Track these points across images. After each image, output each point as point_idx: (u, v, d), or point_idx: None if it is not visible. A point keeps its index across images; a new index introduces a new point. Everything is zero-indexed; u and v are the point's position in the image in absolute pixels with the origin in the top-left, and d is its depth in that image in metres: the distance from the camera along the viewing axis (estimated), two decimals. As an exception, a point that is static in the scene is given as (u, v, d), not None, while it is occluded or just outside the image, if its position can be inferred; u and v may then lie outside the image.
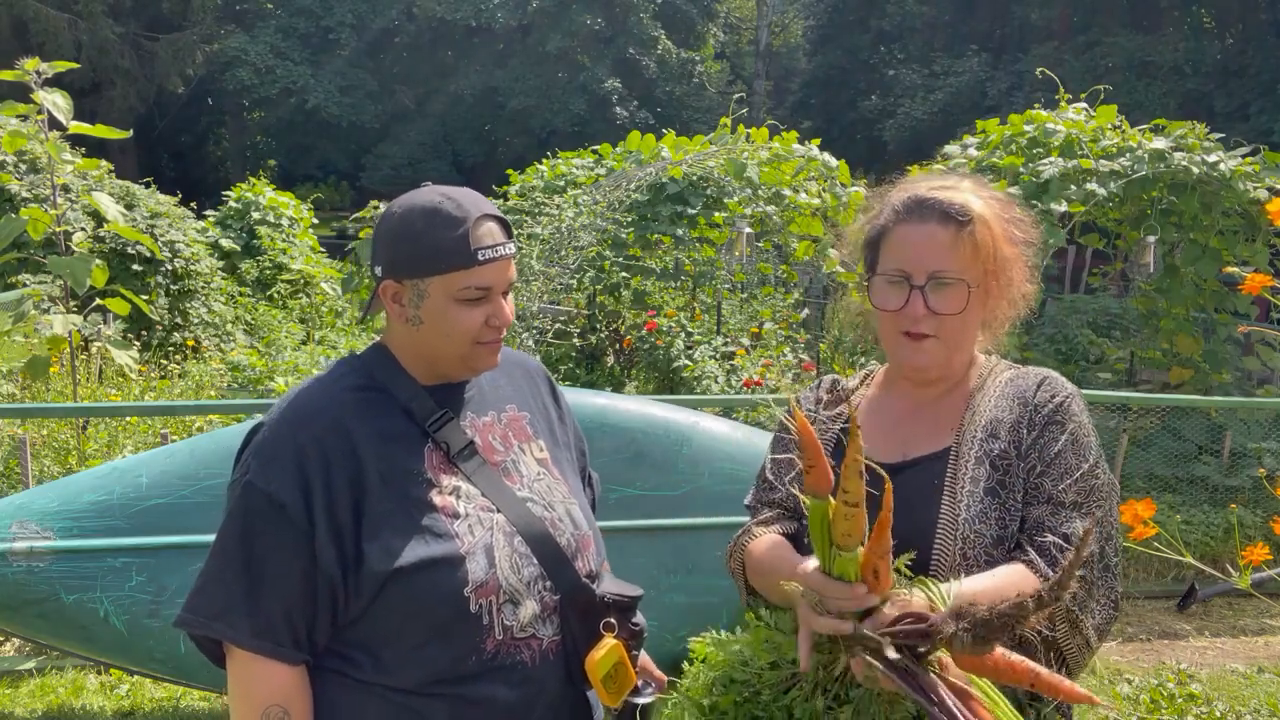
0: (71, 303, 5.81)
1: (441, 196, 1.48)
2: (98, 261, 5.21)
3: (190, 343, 9.39)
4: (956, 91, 27.53)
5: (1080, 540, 1.14)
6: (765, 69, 36.73)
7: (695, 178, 8.36)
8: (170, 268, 9.51)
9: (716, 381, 6.72)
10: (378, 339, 1.60)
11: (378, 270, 1.50)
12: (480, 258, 1.44)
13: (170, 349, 9.20)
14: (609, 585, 1.53)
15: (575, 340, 8.67)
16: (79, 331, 5.92)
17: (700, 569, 3.42)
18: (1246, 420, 6.34)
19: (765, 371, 6.68)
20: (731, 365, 6.96)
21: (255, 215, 11.98)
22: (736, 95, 14.55)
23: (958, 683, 1.20)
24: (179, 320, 9.62)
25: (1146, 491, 5.79)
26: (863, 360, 6.87)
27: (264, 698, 1.39)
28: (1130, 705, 3.97)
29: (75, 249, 5.59)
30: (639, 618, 1.54)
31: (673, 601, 3.37)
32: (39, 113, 5.13)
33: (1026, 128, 6.78)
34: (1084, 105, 7.08)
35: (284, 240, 12.03)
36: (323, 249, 12.99)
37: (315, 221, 13.27)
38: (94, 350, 6.92)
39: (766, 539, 1.56)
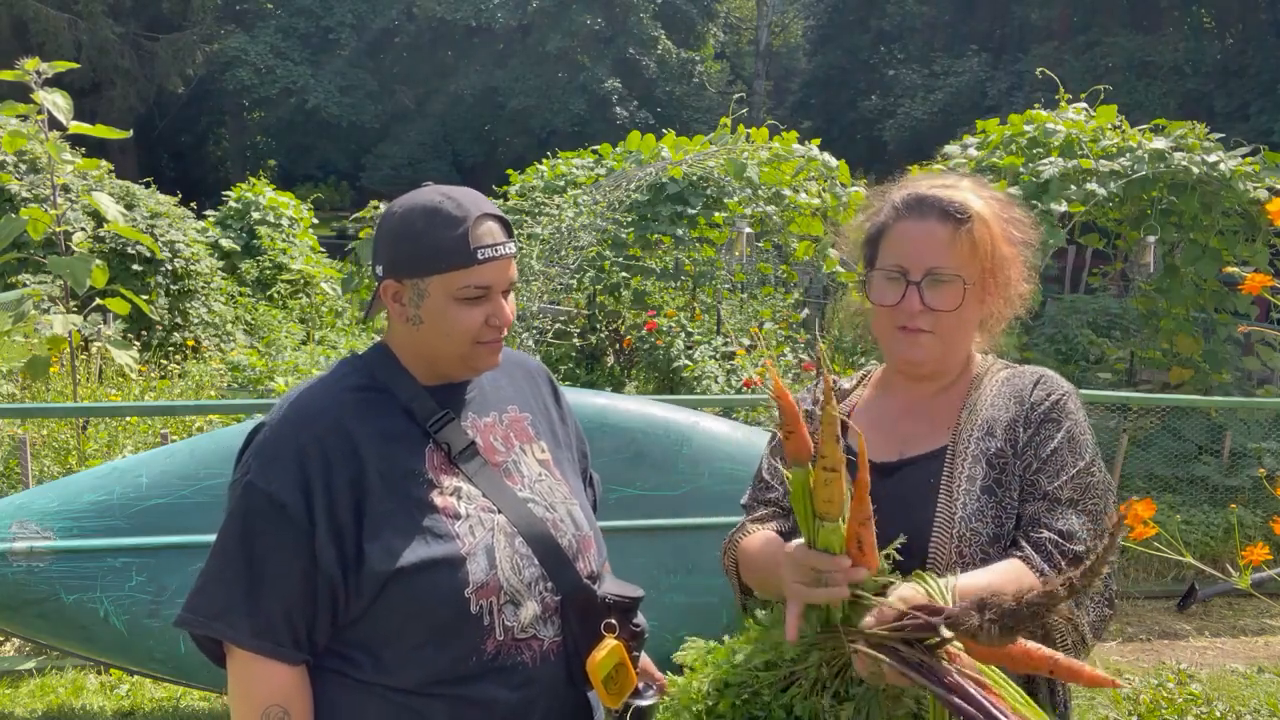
0: (71, 303, 5.81)
1: (442, 196, 1.48)
2: (98, 261, 5.21)
3: (190, 343, 9.39)
4: (956, 91, 27.53)
5: (1114, 525, 1.12)
6: (765, 69, 36.73)
7: (695, 178, 8.35)
8: (170, 268, 9.51)
9: (716, 381, 6.72)
10: (378, 339, 1.60)
11: (378, 270, 1.51)
12: (480, 257, 1.44)
13: (170, 349, 9.20)
14: (610, 586, 1.53)
15: (575, 340, 8.67)
16: (79, 331, 5.92)
17: (700, 569, 3.42)
18: (1246, 420, 6.34)
19: (765, 372, 6.67)
20: (732, 365, 6.96)
21: (255, 215, 11.98)
22: (736, 95, 14.55)
23: (970, 673, 1.18)
24: (179, 320, 9.62)
25: (1146, 491, 5.79)
26: (862, 360, 6.87)
27: (264, 697, 1.39)
28: (1130, 705, 3.97)
29: (75, 249, 5.59)
30: (640, 619, 1.54)
31: (673, 601, 3.36)
32: (39, 113, 5.14)
33: (1026, 128, 6.78)
34: (1084, 105, 7.08)
35: (284, 240, 12.03)
36: (323, 249, 12.99)
37: (315, 221, 13.27)
38: (94, 350, 6.92)
39: (760, 535, 1.56)
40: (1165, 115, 8.87)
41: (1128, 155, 6.34)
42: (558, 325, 8.31)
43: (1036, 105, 7.21)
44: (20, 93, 5.23)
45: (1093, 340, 7.74)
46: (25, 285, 7.44)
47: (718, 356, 7.20)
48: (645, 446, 3.50)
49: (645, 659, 1.63)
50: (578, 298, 9.12)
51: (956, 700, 1.14)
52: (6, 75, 5.05)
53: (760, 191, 8.53)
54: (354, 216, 10.53)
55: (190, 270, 9.76)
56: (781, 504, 1.63)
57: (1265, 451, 6.04)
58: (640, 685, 1.52)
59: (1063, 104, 7.14)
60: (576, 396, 3.51)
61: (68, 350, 5.63)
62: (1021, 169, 6.36)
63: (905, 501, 1.45)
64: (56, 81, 5.19)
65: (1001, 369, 1.60)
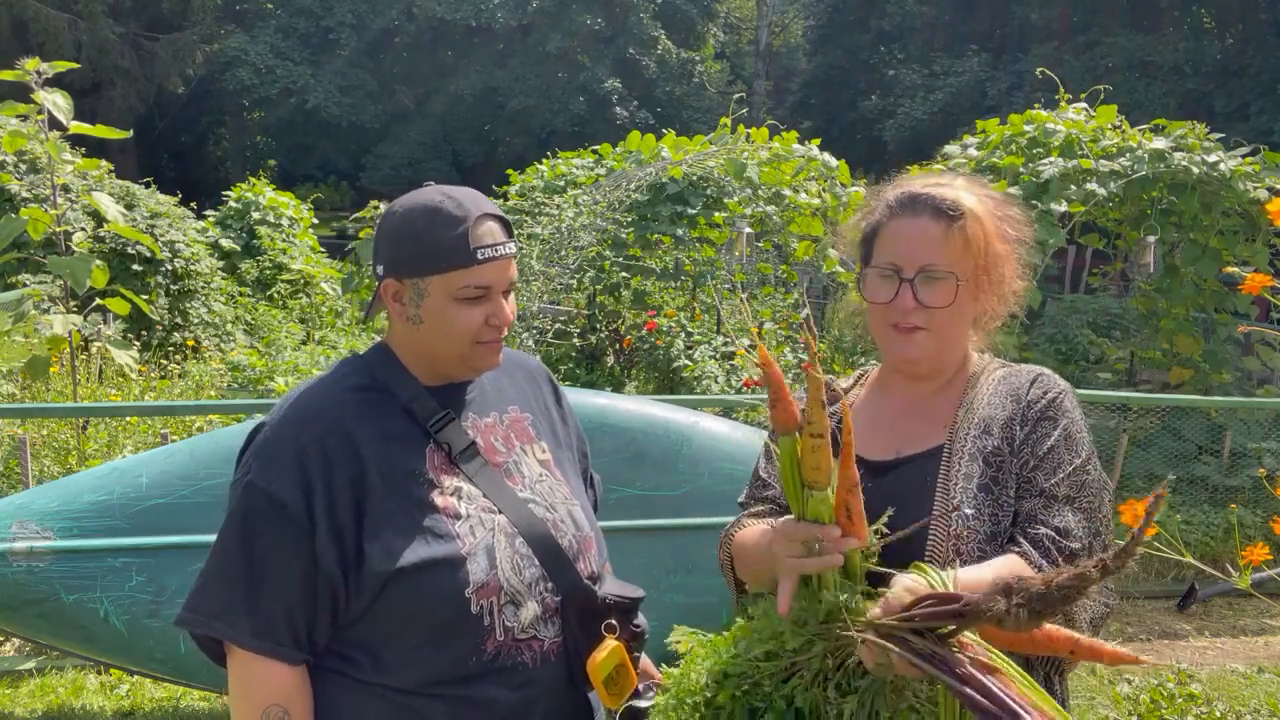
0: (71, 303, 5.81)
1: (442, 196, 1.48)
2: (98, 261, 5.22)
3: (190, 343, 9.39)
4: (956, 91, 27.53)
5: (1151, 505, 1.09)
6: (765, 69, 36.73)
7: (695, 178, 8.36)
8: (170, 268, 9.51)
9: (716, 381, 6.72)
10: (378, 339, 1.60)
11: (379, 269, 1.51)
12: (480, 256, 1.44)
13: (170, 349, 9.20)
14: (610, 586, 1.53)
15: (575, 340, 8.67)
16: (79, 331, 5.92)
17: (700, 569, 3.42)
18: (1246, 420, 6.34)
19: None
20: (732, 365, 6.96)
21: (255, 215, 11.98)
22: (736, 95, 14.55)
23: (982, 660, 1.17)
24: (179, 320, 9.62)
25: (1146, 491, 5.78)
26: (862, 360, 6.88)
27: (264, 697, 1.40)
28: (1130, 705, 3.97)
29: (75, 249, 5.59)
30: (640, 619, 1.54)
31: (673, 601, 3.37)
32: (39, 113, 5.14)
33: (1026, 128, 6.78)
34: (1084, 105, 7.08)
35: (284, 240, 12.03)
36: (323, 249, 12.99)
37: (315, 221, 13.27)
38: (94, 350, 6.92)
39: (754, 528, 1.56)
40: (1165, 115, 8.87)
41: (1128, 155, 6.34)
42: (558, 325, 8.31)
43: (1036, 105, 7.21)
44: (20, 93, 5.23)
45: (1093, 340, 7.74)
46: (25, 285, 7.44)
47: (718, 356, 7.20)
48: (645, 446, 3.50)
49: (645, 659, 1.63)
50: (578, 298, 9.12)
51: (969, 691, 1.12)
52: (6, 75, 5.05)
53: (760, 191, 8.53)
54: (354, 216, 10.53)
55: (190, 270, 9.76)
56: (778, 501, 1.63)
57: (1265, 451, 6.04)
58: (640, 686, 1.52)
59: (1063, 104, 7.14)
60: (576, 396, 3.51)
61: (68, 350, 5.63)
62: (1021, 169, 6.36)
63: (902, 500, 1.46)
64: (56, 81, 5.20)
65: (998, 368, 1.60)
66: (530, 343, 7.11)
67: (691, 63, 35.08)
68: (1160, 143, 6.40)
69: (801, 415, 1.26)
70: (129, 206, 9.32)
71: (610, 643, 1.47)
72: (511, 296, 1.53)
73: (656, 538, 3.45)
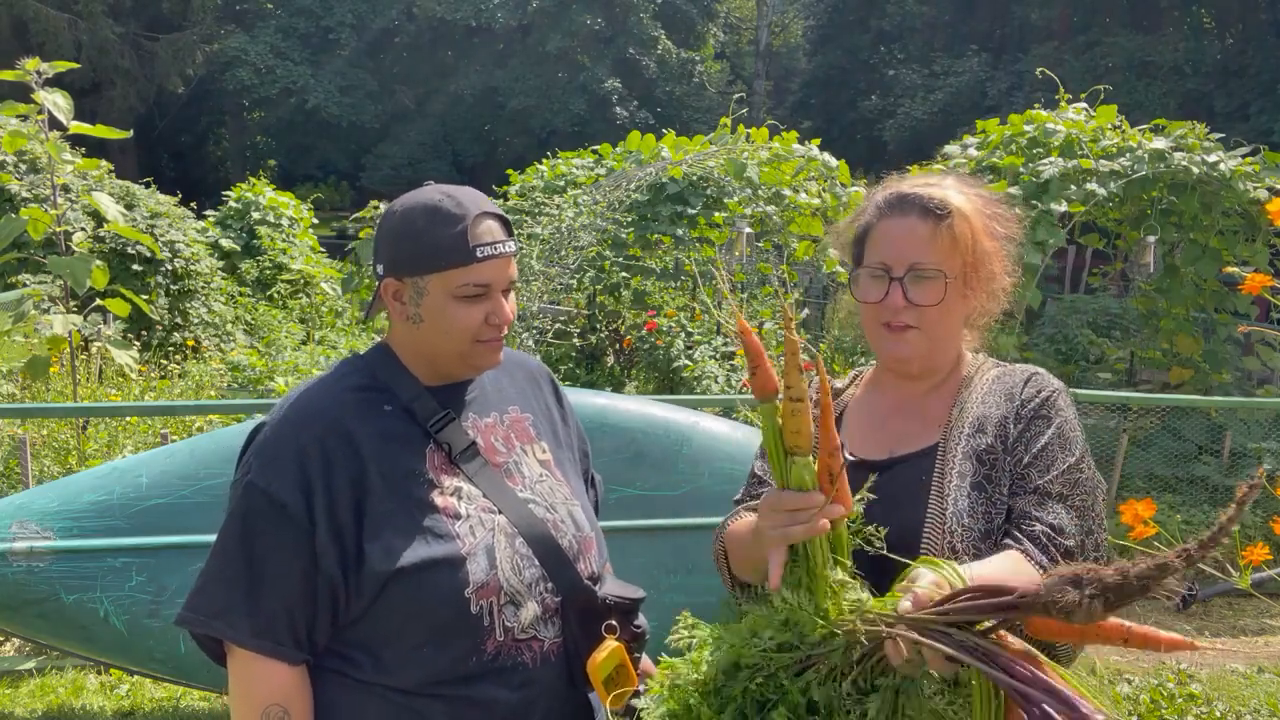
0: (71, 303, 5.81)
1: (442, 195, 1.48)
2: (98, 262, 5.21)
3: (190, 343, 9.39)
4: (956, 91, 27.54)
5: (1242, 495, 1.05)
6: (765, 69, 36.73)
7: (695, 178, 8.36)
8: (170, 268, 9.51)
9: (716, 381, 6.72)
10: (378, 339, 1.60)
11: (379, 269, 1.51)
12: (479, 255, 1.44)
13: (170, 349, 9.20)
14: (611, 587, 1.53)
15: (575, 340, 8.67)
16: (79, 331, 5.92)
17: (700, 569, 3.42)
18: (1246, 420, 6.34)
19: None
20: (732, 365, 6.97)
21: (255, 215, 11.98)
22: (736, 95, 14.55)
23: (1021, 647, 1.14)
24: (179, 320, 9.62)
25: (1146, 491, 5.79)
26: (862, 360, 6.87)
27: (264, 697, 1.40)
28: (1130, 705, 3.97)
29: (75, 249, 5.59)
30: (641, 620, 1.54)
31: (673, 601, 3.35)
32: (39, 113, 5.14)
33: (1026, 128, 6.78)
34: (1084, 105, 7.08)
35: (284, 240, 12.03)
36: (323, 249, 12.99)
37: (315, 221, 13.27)
38: (94, 350, 6.92)
39: (746, 520, 1.56)
40: (1165, 115, 8.87)
41: (1128, 155, 6.34)
42: (558, 325, 8.31)
43: (1036, 105, 7.21)
44: (20, 93, 5.23)
45: (1093, 340, 7.74)
46: (25, 285, 7.44)
47: (718, 356, 7.20)
48: (645, 446, 3.50)
49: (646, 660, 1.63)
50: (578, 298, 9.12)
51: (1022, 685, 1.07)
52: (7, 75, 5.05)
53: (760, 191, 8.53)
54: (354, 216, 10.53)
55: (190, 270, 9.76)
56: None
57: (1265, 451, 6.04)
58: (641, 687, 1.52)
59: (1063, 104, 7.14)
60: (576, 396, 3.51)
61: (68, 350, 5.63)
62: (1021, 169, 6.36)
63: (897, 499, 1.47)
64: (57, 81, 5.19)
65: (992, 367, 1.61)
66: (530, 343, 7.11)
67: (691, 63, 35.09)
68: (1160, 143, 6.40)
69: (780, 380, 1.27)
70: (129, 206, 9.32)
71: (610, 643, 1.47)
72: (512, 295, 1.53)
73: (656, 538, 3.45)
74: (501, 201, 11.36)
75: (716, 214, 8.45)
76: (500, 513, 1.49)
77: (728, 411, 5.35)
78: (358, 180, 32.71)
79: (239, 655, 1.41)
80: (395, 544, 1.40)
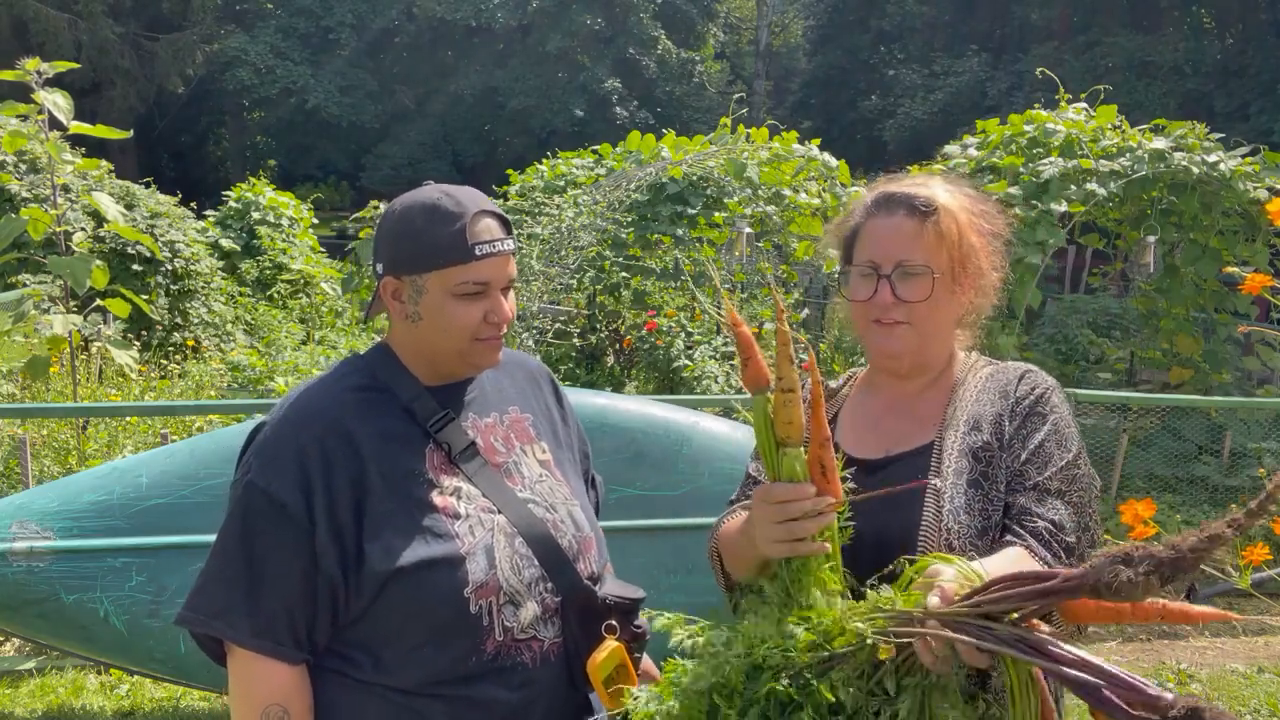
0: (71, 303, 5.81)
1: (441, 193, 1.49)
2: (98, 262, 5.22)
3: (190, 343, 9.39)
4: (956, 91, 27.54)
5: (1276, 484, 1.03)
6: (765, 69, 36.73)
7: (695, 178, 8.36)
8: (170, 268, 9.51)
9: (716, 381, 6.72)
10: (378, 339, 1.60)
11: (378, 268, 1.51)
12: (478, 253, 1.45)
13: (170, 349, 9.20)
14: (611, 587, 1.53)
15: (575, 340, 8.67)
16: (79, 331, 5.92)
17: (700, 569, 3.40)
18: (1246, 420, 6.34)
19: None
20: (731, 365, 6.96)
21: (255, 215, 11.98)
22: (736, 95, 14.55)
23: (1062, 638, 1.11)
24: (179, 320, 9.62)
25: (1146, 491, 5.79)
26: (862, 360, 6.88)
27: (264, 697, 1.40)
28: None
29: (75, 249, 5.59)
30: (641, 620, 1.53)
31: (673, 601, 3.34)
32: (39, 113, 5.14)
33: (1026, 128, 6.78)
34: (1084, 105, 7.08)
35: (284, 240, 12.03)
36: (323, 249, 12.99)
37: (315, 221, 13.27)
38: (94, 350, 6.92)
39: (738, 519, 1.56)
40: (1165, 115, 8.87)
41: (1128, 155, 6.34)
42: (558, 325, 8.31)
43: (1036, 105, 7.21)
44: (20, 93, 5.23)
45: (1093, 340, 7.75)
46: (25, 285, 7.44)
47: (718, 356, 7.19)
48: (645, 446, 3.50)
49: (647, 660, 1.63)
50: (578, 298, 9.12)
51: (1072, 671, 1.05)
52: (7, 75, 5.05)
53: (760, 191, 8.53)
54: (354, 216, 10.53)
55: (190, 270, 9.76)
56: None
57: (1265, 451, 6.04)
58: (642, 687, 1.51)
59: (1063, 104, 7.14)
60: (576, 396, 3.51)
61: (68, 350, 5.63)
62: (1021, 169, 6.36)
63: (893, 498, 1.47)
64: (57, 81, 5.19)
65: (985, 365, 1.62)
66: (530, 343, 7.11)
67: (691, 63, 35.08)
68: (1160, 143, 6.41)
69: (771, 372, 1.27)
70: (129, 206, 9.32)
71: (610, 643, 1.47)
72: (511, 294, 1.53)
73: (656, 538, 3.45)
74: (501, 201, 11.36)
75: (716, 214, 8.45)
76: (500, 512, 1.49)
77: (728, 411, 5.35)
78: (358, 180, 32.70)
79: (239, 655, 1.41)
80: (395, 544, 1.40)
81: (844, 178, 8.72)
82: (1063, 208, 6.03)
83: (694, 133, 11.20)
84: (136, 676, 3.85)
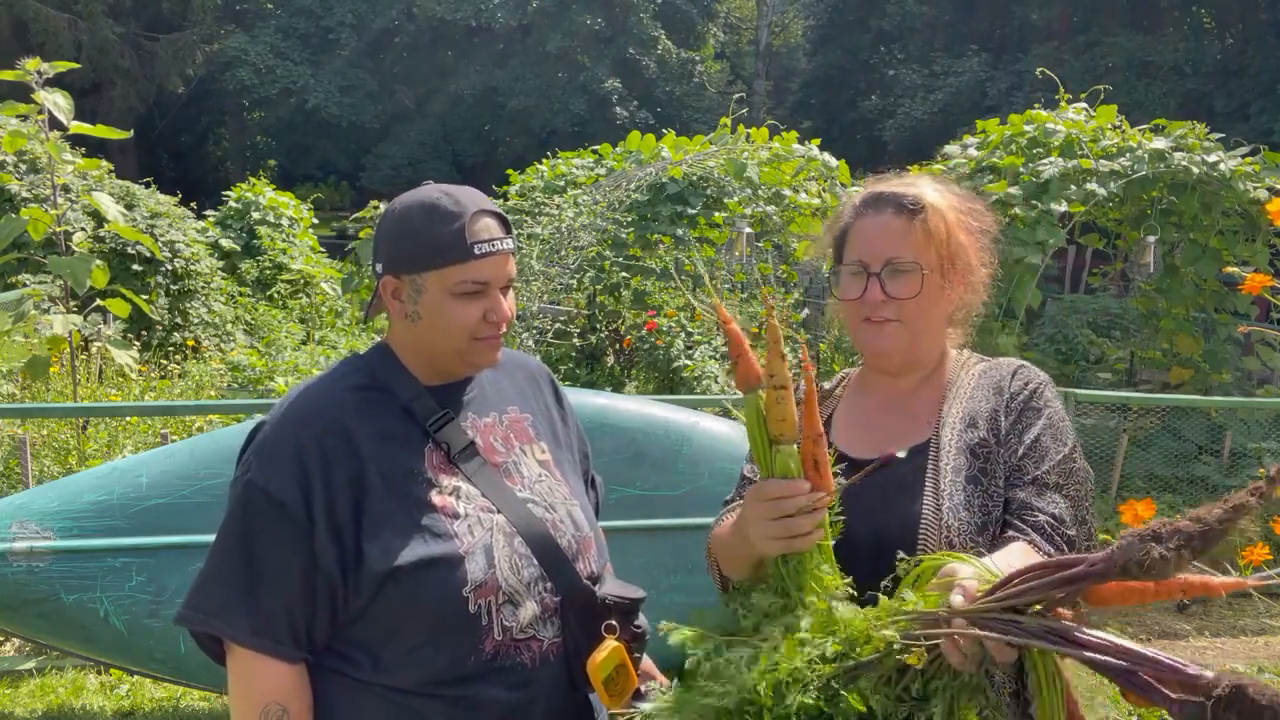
0: (71, 303, 5.81)
1: (440, 193, 1.49)
2: (98, 262, 5.21)
3: (190, 343, 9.39)
4: (956, 91, 27.54)
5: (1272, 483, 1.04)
6: (765, 69, 36.73)
7: (695, 178, 8.36)
8: (170, 268, 9.51)
9: (716, 381, 6.71)
10: (378, 339, 1.60)
11: (378, 267, 1.51)
12: (476, 252, 1.45)
13: (170, 349, 9.20)
14: (610, 587, 1.53)
15: (575, 340, 8.67)
16: (79, 331, 5.92)
17: (700, 569, 3.38)
18: (1246, 420, 6.34)
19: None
20: (731, 365, 6.96)
21: (255, 215, 11.98)
22: (736, 95, 14.55)
23: (1086, 624, 1.10)
24: (179, 320, 9.62)
25: (1146, 491, 5.79)
26: (861, 360, 6.88)
27: (263, 695, 1.40)
28: (1130, 705, 3.97)
29: (75, 249, 5.59)
30: (641, 620, 1.53)
31: (673, 601, 3.35)
32: (39, 113, 5.14)
33: (1026, 128, 6.78)
34: (1084, 105, 7.08)
35: (284, 240, 12.03)
36: (323, 249, 12.99)
37: (315, 221, 13.27)
38: (94, 350, 6.92)
39: (732, 519, 1.57)
40: (1165, 115, 8.87)
41: (1128, 155, 6.34)
42: (558, 325, 8.31)
43: (1036, 105, 7.21)
44: (21, 93, 5.23)
45: (1093, 340, 7.75)
46: (25, 285, 7.44)
47: (717, 356, 7.19)
48: (645, 446, 3.50)
49: (647, 661, 1.63)
50: (578, 298, 9.11)
51: (1115, 660, 1.03)
52: (7, 75, 5.05)
53: (760, 191, 8.54)
54: (354, 216, 10.53)
55: (190, 270, 9.77)
56: None
57: (1265, 451, 6.04)
58: (642, 688, 1.51)
59: (1063, 104, 7.14)
60: (576, 396, 3.51)
61: (68, 350, 5.63)
62: (1021, 169, 6.36)
63: (890, 498, 1.47)
64: (57, 81, 5.19)
65: (977, 362, 1.63)
66: (530, 343, 7.11)
67: (691, 63, 35.08)
68: (1160, 143, 6.40)
69: (763, 369, 1.27)
70: (129, 206, 9.32)
71: (610, 643, 1.46)
72: (510, 294, 1.53)
73: (656, 538, 3.45)
74: (501, 201, 11.36)
75: (716, 214, 8.45)
76: (499, 512, 1.49)
77: (728, 411, 5.35)
78: (358, 180, 32.70)
79: (238, 654, 1.41)
80: (394, 543, 1.40)
81: (844, 178, 8.72)
82: (1063, 208, 6.03)
83: (694, 133, 11.20)
84: (136, 676, 3.85)
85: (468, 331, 1.48)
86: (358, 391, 1.51)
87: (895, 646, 1.17)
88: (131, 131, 6.66)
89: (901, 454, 1.42)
